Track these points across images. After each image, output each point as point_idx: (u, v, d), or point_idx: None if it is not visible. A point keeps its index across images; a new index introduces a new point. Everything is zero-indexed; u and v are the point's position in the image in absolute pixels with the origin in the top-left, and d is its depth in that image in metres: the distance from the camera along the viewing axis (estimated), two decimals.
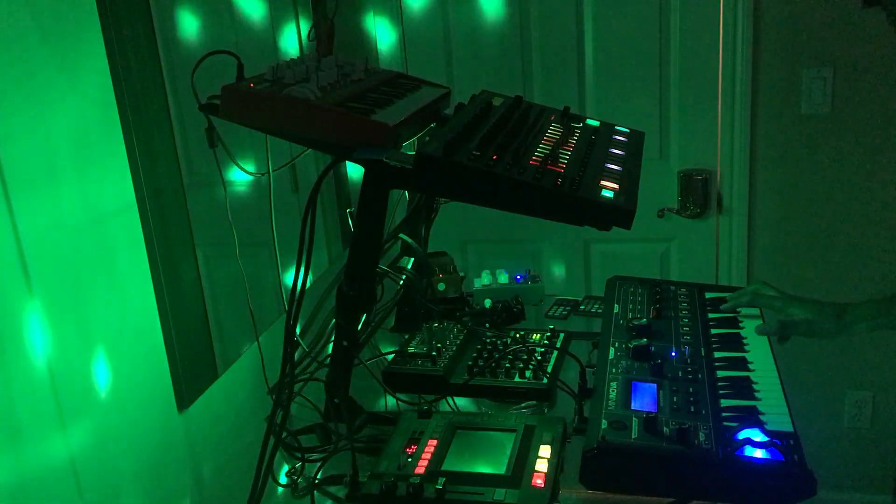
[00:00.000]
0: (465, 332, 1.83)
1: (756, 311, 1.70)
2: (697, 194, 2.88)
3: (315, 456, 1.52)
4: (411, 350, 1.75)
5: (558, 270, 3.11)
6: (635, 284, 1.83)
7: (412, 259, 1.78)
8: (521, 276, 2.13)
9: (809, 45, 2.65)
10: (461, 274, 2.03)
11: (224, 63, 1.45)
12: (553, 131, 1.51)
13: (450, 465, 1.36)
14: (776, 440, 1.24)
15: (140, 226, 1.60)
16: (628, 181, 1.36)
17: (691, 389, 1.39)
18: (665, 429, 1.27)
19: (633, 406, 1.34)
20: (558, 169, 1.32)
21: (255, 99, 1.36)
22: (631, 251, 3.02)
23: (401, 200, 1.88)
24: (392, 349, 1.77)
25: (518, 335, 1.82)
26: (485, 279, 2.14)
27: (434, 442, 1.41)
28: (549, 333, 1.82)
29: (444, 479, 1.29)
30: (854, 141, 2.70)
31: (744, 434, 1.26)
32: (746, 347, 1.56)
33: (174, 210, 1.72)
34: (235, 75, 1.42)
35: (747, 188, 2.81)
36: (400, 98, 1.50)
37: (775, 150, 2.77)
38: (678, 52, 2.80)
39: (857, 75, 2.64)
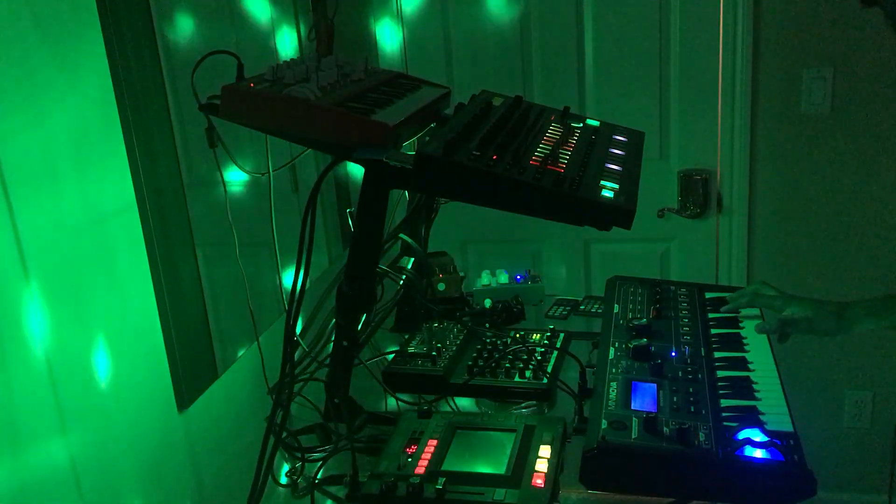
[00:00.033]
0: (465, 332, 1.83)
1: (756, 312, 1.70)
2: (697, 194, 2.88)
3: (315, 456, 1.52)
4: (411, 350, 1.75)
5: (558, 270, 3.11)
6: (635, 284, 1.83)
7: (412, 259, 1.78)
8: (521, 276, 2.13)
9: (809, 45, 2.65)
10: (461, 274, 2.03)
11: (224, 63, 1.45)
12: (553, 131, 1.51)
13: (450, 465, 1.36)
14: (776, 440, 1.24)
15: (140, 226, 1.60)
16: (628, 181, 1.36)
17: (691, 389, 1.39)
18: (665, 429, 1.27)
19: (633, 406, 1.34)
20: (558, 169, 1.32)
21: (255, 99, 1.36)
22: (631, 251, 3.02)
23: (401, 200, 1.88)
24: (392, 349, 1.77)
25: (518, 335, 1.82)
26: (485, 279, 2.14)
27: (434, 442, 1.41)
28: (549, 333, 1.82)
29: (444, 479, 1.29)
30: (854, 141, 2.70)
31: (744, 434, 1.26)
32: (746, 347, 1.56)
33: (174, 210, 1.72)
34: (235, 75, 1.42)
35: (747, 188, 2.81)
36: (400, 98, 1.50)
37: (775, 150, 2.77)
38: (678, 52, 2.80)
39: (857, 75, 2.64)
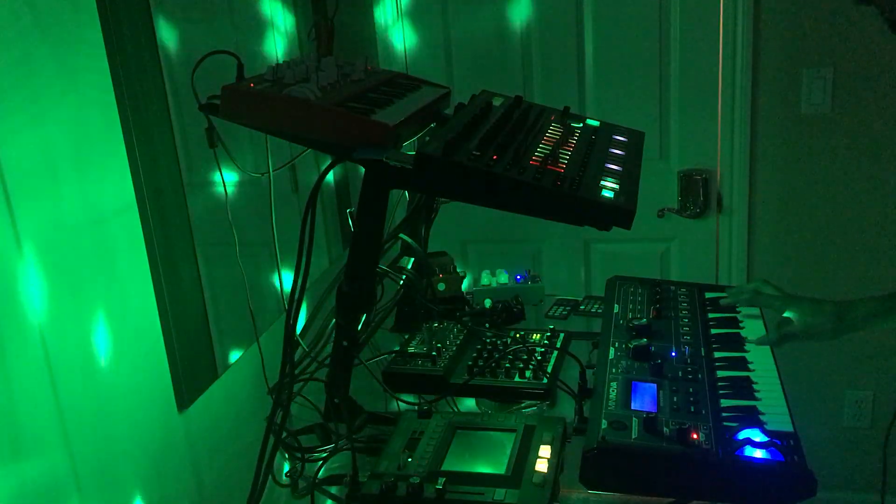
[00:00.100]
0: (465, 332, 1.83)
1: (756, 311, 1.70)
2: (697, 194, 2.88)
3: (315, 456, 1.52)
4: (411, 350, 1.75)
5: (558, 270, 3.11)
6: (635, 284, 1.83)
7: (412, 259, 1.78)
8: (521, 276, 2.13)
9: (809, 45, 2.65)
10: (461, 274, 2.03)
11: (224, 63, 1.45)
12: (553, 131, 1.51)
13: (450, 465, 1.36)
14: (776, 440, 1.24)
15: (140, 226, 1.60)
16: (628, 181, 1.36)
17: (691, 389, 1.39)
18: (665, 429, 1.27)
19: (633, 406, 1.34)
20: (558, 169, 1.32)
21: (255, 99, 1.36)
22: (631, 251, 3.02)
23: (401, 200, 1.88)
24: (392, 349, 1.77)
25: (518, 335, 1.82)
26: (485, 279, 2.14)
27: (434, 442, 1.41)
28: (549, 333, 1.82)
29: (444, 479, 1.29)
30: (854, 141, 2.70)
31: (744, 434, 1.26)
32: (746, 347, 1.56)
33: (174, 210, 1.72)
34: (235, 75, 1.42)
35: (747, 188, 2.81)
36: (400, 98, 1.50)
37: (775, 150, 2.77)
38: (678, 52, 2.80)
39: (857, 75, 2.64)
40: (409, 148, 1.47)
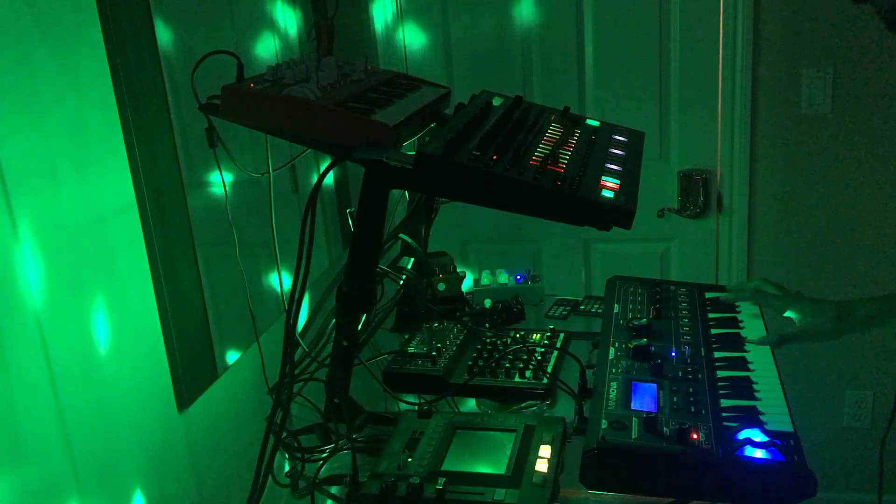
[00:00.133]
0: (465, 332, 1.83)
1: (756, 311, 1.70)
2: (697, 194, 2.88)
3: (315, 456, 1.52)
4: (411, 350, 1.75)
5: (558, 270, 3.11)
6: (635, 284, 1.83)
7: (412, 259, 1.78)
8: (521, 276, 2.13)
9: (809, 45, 2.65)
10: (461, 274, 2.03)
11: (224, 63, 1.45)
12: (553, 131, 1.51)
13: (450, 465, 1.36)
14: (776, 440, 1.24)
15: (140, 226, 1.60)
16: (628, 181, 1.36)
17: (691, 389, 1.39)
18: (665, 429, 1.27)
19: (633, 406, 1.34)
20: (558, 169, 1.32)
21: (255, 99, 1.36)
22: (631, 251, 3.02)
23: (401, 200, 1.88)
24: (392, 349, 1.77)
25: (518, 335, 1.82)
26: (485, 279, 2.14)
27: (434, 442, 1.41)
28: (549, 333, 1.82)
29: (444, 479, 1.29)
30: (854, 141, 2.70)
31: (744, 434, 1.26)
32: (746, 347, 1.56)
33: (174, 210, 1.72)
34: (235, 75, 1.42)
35: (747, 188, 2.81)
36: (400, 98, 1.50)
37: (775, 150, 2.77)
38: (678, 52, 2.80)
39: (857, 75, 2.64)
40: (409, 148, 1.47)
